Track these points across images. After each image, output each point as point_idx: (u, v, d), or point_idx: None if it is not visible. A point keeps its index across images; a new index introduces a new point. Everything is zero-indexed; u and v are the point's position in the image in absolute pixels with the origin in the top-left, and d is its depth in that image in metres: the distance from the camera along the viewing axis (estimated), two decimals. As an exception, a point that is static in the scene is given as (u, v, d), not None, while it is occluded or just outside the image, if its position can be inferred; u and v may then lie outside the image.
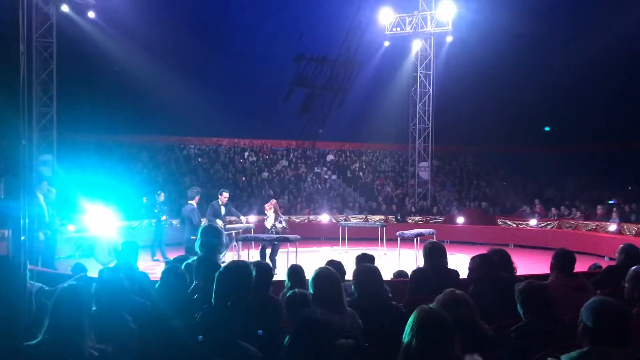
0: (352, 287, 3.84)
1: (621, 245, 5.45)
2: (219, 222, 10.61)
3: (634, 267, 3.74)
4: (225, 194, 10.96)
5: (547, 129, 24.83)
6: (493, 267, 4.38)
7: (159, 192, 13.76)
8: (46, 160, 16.24)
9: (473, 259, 4.50)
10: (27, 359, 2.56)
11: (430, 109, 21.03)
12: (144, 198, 15.63)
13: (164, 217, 13.34)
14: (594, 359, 2.37)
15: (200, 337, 2.55)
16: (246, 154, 24.63)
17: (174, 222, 15.91)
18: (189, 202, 10.36)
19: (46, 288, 4.13)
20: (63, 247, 12.16)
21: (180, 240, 11.05)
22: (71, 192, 12.64)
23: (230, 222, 12.78)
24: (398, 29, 20.94)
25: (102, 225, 12.04)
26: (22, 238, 3.50)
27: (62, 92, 17.01)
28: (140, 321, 3.32)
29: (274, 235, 10.72)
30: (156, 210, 13.22)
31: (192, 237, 9.98)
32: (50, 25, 16.43)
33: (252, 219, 14.96)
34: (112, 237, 11.16)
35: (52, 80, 16.61)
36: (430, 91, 20.94)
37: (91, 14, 17.67)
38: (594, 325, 2.45)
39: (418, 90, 21.05)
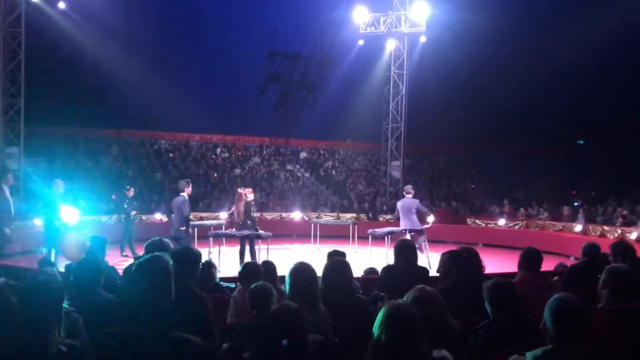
0: (321, 280, 3.85)
1: (583, 245, 5.59)
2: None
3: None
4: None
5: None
6: (462, 264, 4.45)
7: (128, 187, 13.54)
8: (12, 153, 15.89)
9: (443, 255, 4.56)
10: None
11: (403, 108, 21.15)
12: (113, 196, 15.37)
13: (133, 213, 13.16)
14: (559, 356, 2.42)
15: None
16: (218, 150, 24.46)
17: (144, 217, 15.75)
18: (181, 193, 10.23)
19: (12, 282, 4.05)
20: (29, 242, 11.90)
21: (150, 237, 10.90)
22: (38, 186, 12.38)
23: (202, 218, 12.60)
24: (372, 28, 21.00)
25: (70, 220, 11.82)
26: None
27: (31, 83, 16.63)
28: (104, 315, 3.29)
29: (245, 232, 10.67)
30: (125, 206, 13.04)
31: (181, 228, 9.92)
32: (18, 15, 16.02)
33: (223, 215, 14.87)
34: (80, 232, 10.95)
35: (20, 71, 16.20)
36: (404, 91, 21.06)
37: (61, 5, 17.34)
38: (553, 323, 2.52)
39: (391, 89, 21.15)
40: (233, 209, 11.06)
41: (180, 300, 2.74)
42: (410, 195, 11.75)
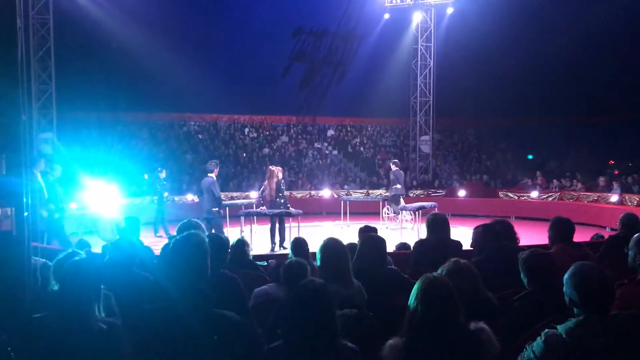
0: (356, 255, 3.85)
1: (622, 215, 5.43)
2: None
3: (637, 234, 3.71)
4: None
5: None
6: (496, 236, 4.38)
7: (160, 168, 13.72)
8: (47, 138, 16.20)
9: (476, 228, 4.50)
10: (35, 331, 2.57)
11: (431, 82, 20.88)
12: (145, 175, 15.62)
13: (166, 194, 13.35)
14: (589, 328, 2.37)
15: None
16: (246, 130, 24.55)
17: (176, 198, 15.96)
18: (209, 175, 10.32)
19: (50, 264, 4.14)
20: (65, 225, 12.16)
21: (182, 217, 11.04)
22: (72, 170, 12.61)
23: (233, 198, 12.67)
24: (398, 0, 20.69)
25: (104, 203, 12.05)
26: (26, 214, 3.51)
27: (61, 69, 16.86)
28: (140, 293, 3.34)
29: (277, 210, 10.72)
30: (158, 187, 13.22)
31: (213, 209, 10.03)
32: (46, 2, 16.23)
33: (254, 194, 14.97)
34: (114, 214, 11.15)
35: (50, 57, 16.45)
36: (431, 64, 20.77)
37: (87, -11, 17.52)
38: (578, 294, 2.46)
39: (419, 63, 20.87)
40: (265, 185, 11.09)
41: (213, 284, 2.77)
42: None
